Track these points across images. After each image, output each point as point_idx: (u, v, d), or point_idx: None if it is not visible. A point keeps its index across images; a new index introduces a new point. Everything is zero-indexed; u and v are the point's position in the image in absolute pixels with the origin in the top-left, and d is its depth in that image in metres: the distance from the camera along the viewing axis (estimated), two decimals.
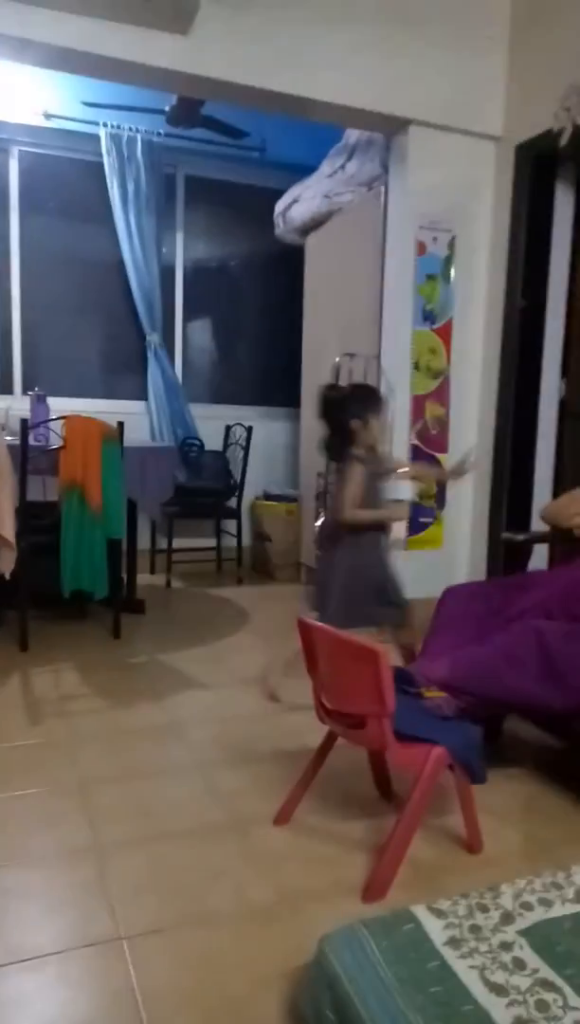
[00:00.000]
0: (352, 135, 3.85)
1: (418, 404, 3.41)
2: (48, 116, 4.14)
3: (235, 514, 4.46)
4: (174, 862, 1.63)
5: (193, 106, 3.92)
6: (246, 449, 4.46)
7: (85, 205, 4.43)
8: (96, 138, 4.26)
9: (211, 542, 4.70)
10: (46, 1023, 1.19)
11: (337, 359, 3.55)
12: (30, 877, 1.57)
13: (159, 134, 4.31)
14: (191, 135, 4.29)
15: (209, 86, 3.01)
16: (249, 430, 4.46)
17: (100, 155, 4.29)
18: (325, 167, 4.04)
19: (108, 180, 4.31)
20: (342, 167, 3.91)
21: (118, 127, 4.26)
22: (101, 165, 4.31)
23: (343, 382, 3.53)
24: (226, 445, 4.66)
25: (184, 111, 3.94)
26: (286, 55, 2.98)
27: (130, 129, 4.27)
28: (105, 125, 4.24)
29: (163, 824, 1.79)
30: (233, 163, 4.60)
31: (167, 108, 3.99)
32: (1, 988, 1.26)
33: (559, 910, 1.22)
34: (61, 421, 2.90)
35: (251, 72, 2.95)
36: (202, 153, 4.50)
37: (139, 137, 4.29)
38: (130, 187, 4.32)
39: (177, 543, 4.35)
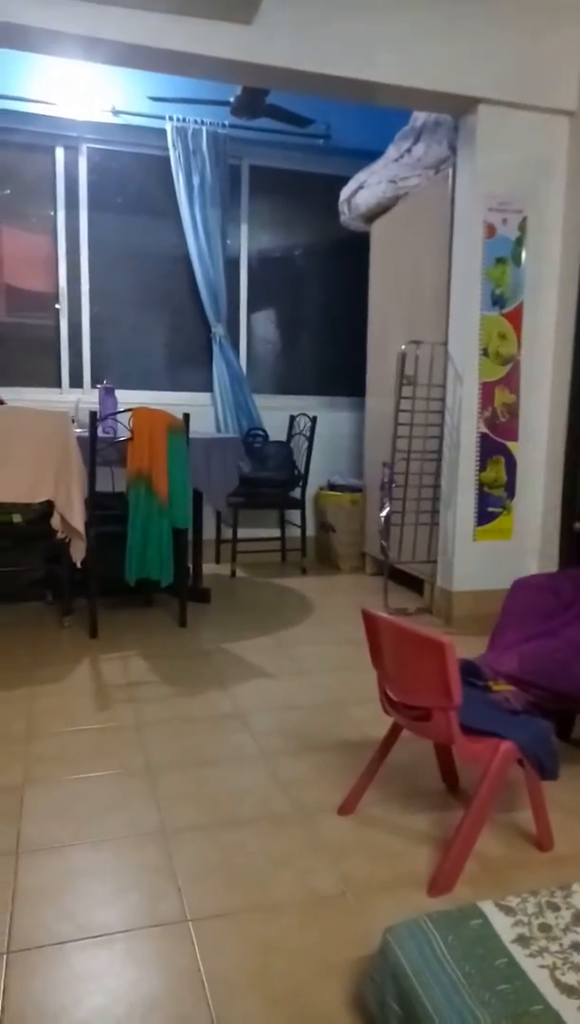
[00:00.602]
0: (419, 117, 3.77)
1: (487, 391, 3.33)
2: (116, 112, 4.20)
3: (299, 504, 4.46)
4: (239, 848, 1.65)
5: (257, 96, 3.91)
6: (310, 439, 4.45)
7: (151, 199, 4.49)
8: (162, 132, 4.31)
9: (275, 532, 4.72)
10: (116, 998, 1.22)
11: (403, 347, 3.50)
12: (99, 857, 1.61)
13: (224, 125, 4.32)
14: (256, 125, 4.28)
15: (273, 75, 2.99)
16: (313, 420, 4.44)
17: (166, 149, 4.34)
18: (391, 151, 3.97)
19: (174, 173, 4.35)
20: (408, 151, 3.84)
21: (183, 120, 4.29)
22: (167, 159, 4.35)
23: (410, 370, 3.49)
24: (290, 435, 4.67)
25: (248, 101, 3.93)
26: (350, 40, 2.94)
27: (195, 122, 4.30)
28: (171, 119, 4.28)
29: (228, 811, 1.81)
30: (298, 151, 4.57)
31: (232, 99, 3.99)
32: (72, 963, 1.30)
33: None
34: (128, 413, 2.95)
35: (315, 59, 2.92)
36: (267, 143, 4.49)
37: (204, 129, 4.31)
38: (196, 180, 4.36)
39: (242, 533, 4.39)
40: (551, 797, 1.71)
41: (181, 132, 4.30)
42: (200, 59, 2.86)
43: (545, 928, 1.14)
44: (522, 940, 1.11)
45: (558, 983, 1.03)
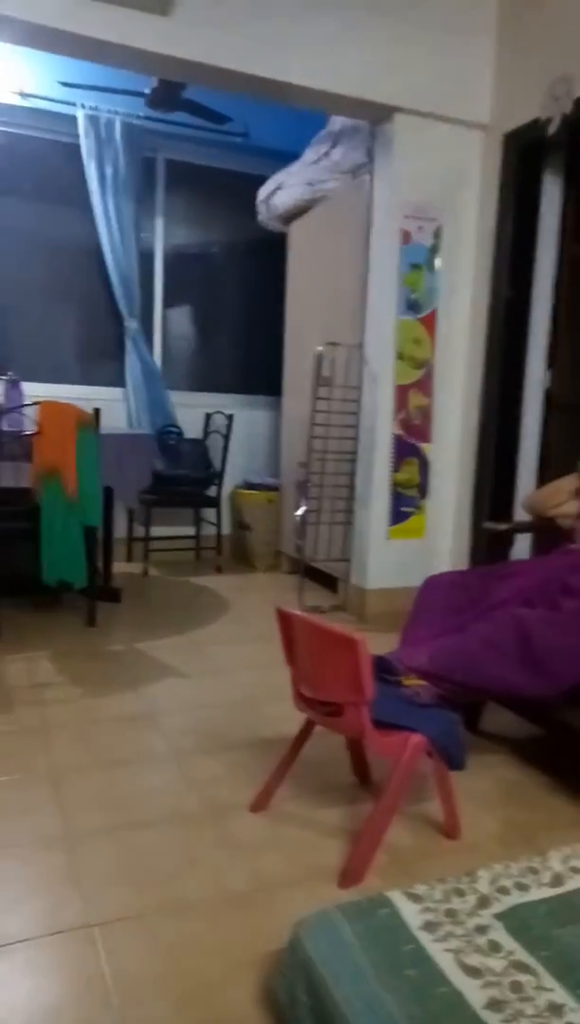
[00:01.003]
0: (337, 122, 3.82)
1: (402, 394, 3.39)
2: (24, 95, 4.05)
3: (215, 503, 4.43)
4: (148, 850, 1.61)
5: (174, 89, 3.86)
6: (227, 437, 4.42)
7: (61, 187, 4.34)
8: (73, 119, 4.18)
9: (190, 531, 4.67)
10: (13, 1010, 1.16)
11: (320, 348, 3.53)
12: (0, 864, 1.54)
13: (139, 117, 4.24)
14: (172, 119, 4.22)
15: (190, 69, 2.95)
16: (230, 418, 4.42)
17: (77, 136, 4.22)
18: (309, 154, 4.00)
19: (85, 163, 4.23)
20: (326, 154, 3.88)
21: (96, 108, 4.18)
22: (78, 147, 4.23)
23: (326, 371, 3.52)
24: (206, 433, 4.62)
25: (165, 94, 3.87)
26: (269, 40, 2.94)
27: (109, 111, 4.20)
28: (83, 106, 4.16)
29: (138, 812, 1.76)
30: (215, 148, 4.54)
31: (147, 91, 3.92)
32: None
33: (535, 894, 1.22)
34: (35, 407, 2.84)
35: (233, 56, 2.90)
36: (183, 137, 4.44)
37: (118, 120, 4.22)
38: (108, 170, 4.25)
39: (156, 532, 4.31)
40: (459, 787, 1.75)
41: (93, 121, 4.19)
42: (113, 47, 2.79)
43: (451, 913, 1.16)
44: (429, 926, 1.13)
45: (462, 965, 1.05)
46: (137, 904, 1.43)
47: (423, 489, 3.50)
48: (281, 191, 4.12)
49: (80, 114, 4.17)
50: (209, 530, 4.57)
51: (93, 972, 1.25)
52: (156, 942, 1.33)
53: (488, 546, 3.19)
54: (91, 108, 4.17)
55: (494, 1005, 0.98)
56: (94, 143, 4.21)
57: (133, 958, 1.28)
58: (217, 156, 4.60)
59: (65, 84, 4.05)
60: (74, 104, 4.14)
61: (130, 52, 2.82)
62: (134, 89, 4.01)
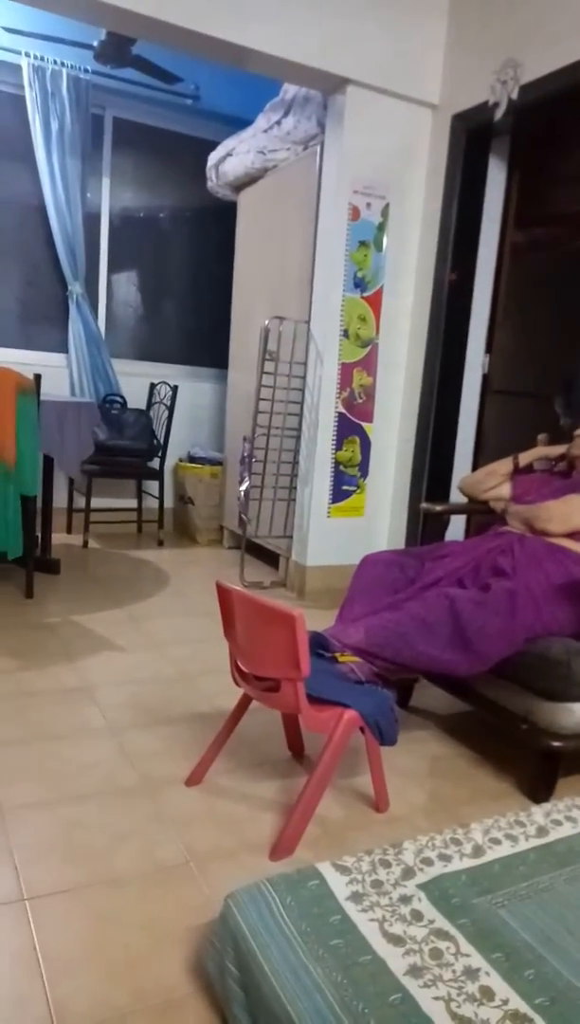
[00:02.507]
0: (290, 90, 3.75)
1: (346, 372, 3.41)
2: None
3: (158, 475, 4.38)
4: (82, 824, 1.62)
5: (123, 44, 3.72)
6: (171, 409, 4.36)
7: (5, 141, 4.16)
8: (18, 68, 4.00)
9: (132, 503, 4.61)
10: None
11: (266, 322, 3.51)
12: None
13: (86, 71, 4.09)
14: (121, 75, 4.08)
15: (139, 23, 2.84)
16: (174, 389, 4.36)
17: (22, 87, 4.04)
18: (261, 121, 3.92)
19: (30, 116, 4.06)
20: (278, 123, 3.81)
21: (42, 59, 4.01)
22: (23, 98, 4.05)
23: (272, 346, 3.50)
24: (150, 404, 4.55)
25: (114, 48, 3.73)
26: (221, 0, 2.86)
27: (55, 62, 4.03)
28: (28, 55, 3.98)
29: (72, 786, 1.76)
30: (165, 108, 4.41)
31: (95, 43, 3.77)
32: None
33: (457, 864, 1.27)
34: None
35: (186, 14, 2.81)
36: (132, 95, 4.30)
37: (65, 72, 4.05)
38: (54, 125, 4.09)
39: (96, 503, 4.25)
40: (389, 762, 1.81)
41: (39, 71, 4.02)
42: None
43: (377, 884, 1.21)
44: (355, 897, 1.18)
45: (386, 934, 1.10)
46: (69, 878, 1.43)
47: (364, 468, 3.54)
48: (231, 158, 4.04)
49: (25, 63, 3.99)
50: (152, 503, 4.53)
51: (25, 946, 1.25)
52: (88, 916, 1.34)
53: (424, 526, 3.25)
54: (37, 58, 3.99)
55: (414, 971, 1.03)
56: (39, 95, 4.04)
57: (64, 932, 1.30)
58: (167, 117, 4.48)
59: (9, 30, 3.86)
60: (19, 52, 3.96)
61: (78, 0, 2.70)
62: (83, 41, 3.85)
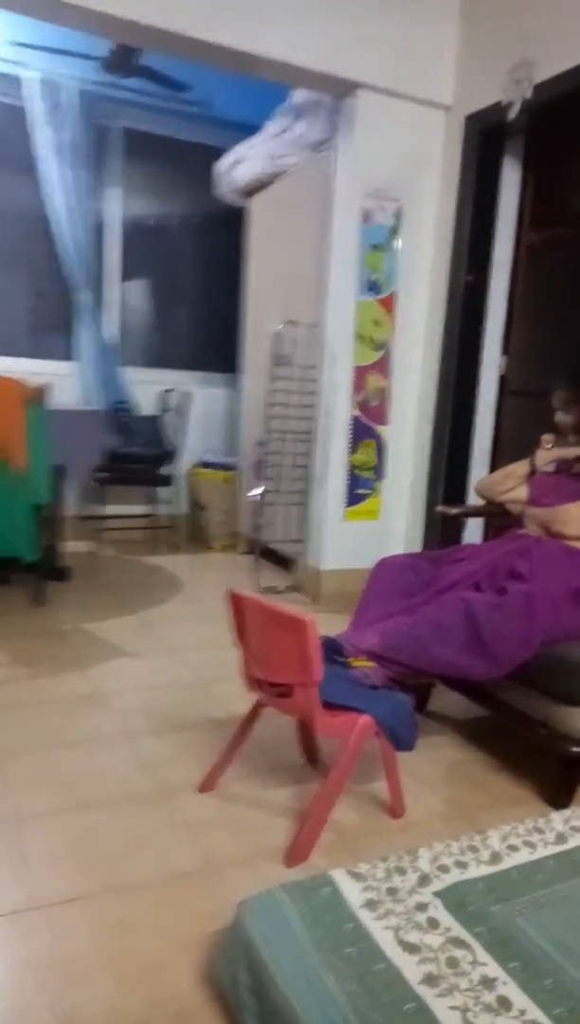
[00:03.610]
0: (299, 95, 3.75)
1: (360, 375, 3.39)
2: None
3: (169, 481, 4.38)
4: (96, 831, 1.61)
5: (130, 54, 3.75)
6: (184, 415, 4.37)
7: (12, 153, 4.19)
8: (26, 81, 4.03)
9: (145, 510, 4.62)
10: None
11: (279, 327, 3.50)
12: None
13: (94, 83, 4.11)
14: (129, 85, 4.11)
15: (147, 34, 2.85)
16: (187, 396, 4.37)
17: (31, 100, 4.07)
18: (271, 127, 3.93)
19: (37, 128, 4.09)
20: (288, 128, 3.82)
21: (50, 72, 4.03)
22: (23, 110, 4.07)
23: (285, 350, 3.49)
24: (162, 411, 4.56)
25: (121, 59, 3.76)
26: (231, 7, 2.86)
27: (63, 75, 4.06)
28: (35, 69, 4.01)
29: (86, 793, 1.75)
30: (174, 118, 4.43)
31: (104, 55, 3.80)
32: None
33: (474, 872, 1.25)
34: None
35: (192, 22, 2.82)
36: (141, 105, 4.32)
37: (73, 84, 4.08)
38: (60, 137, 4.10)
39: (110, 510, 4.26)
40: (405, 767, 1.79)
41: (46, 84, 4.04)
42: (67, 7, 2.67)
43: (392, 892, 1.19)
44: (370, 904, 1.15)
45: (401, 942, 1.08)
46: (84, 886, 1.42)
47: (379, 471, 3.52)
48: (241, 164, 4.05)
49: (33, 76, 4.02)
50: (165, 509, 4.53)
51: (38, 954, 1.24)
52: (101, 923, 1.33)
53: (441, 529, 3.23)
54: (45, 71, 4.02)
55: (430, 980, 1.01)
56: (46, 108, 4.06)
57: (79, 939, 1.28)
58: (176, 126, 4.50)
59: (16, 44, 3.90)
60: (27, 66, 3.99)
61: (85, 12, 2.71)
62: (90, 53, 3.88)
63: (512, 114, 2.91)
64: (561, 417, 2.68)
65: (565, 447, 2.53)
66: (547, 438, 2.59)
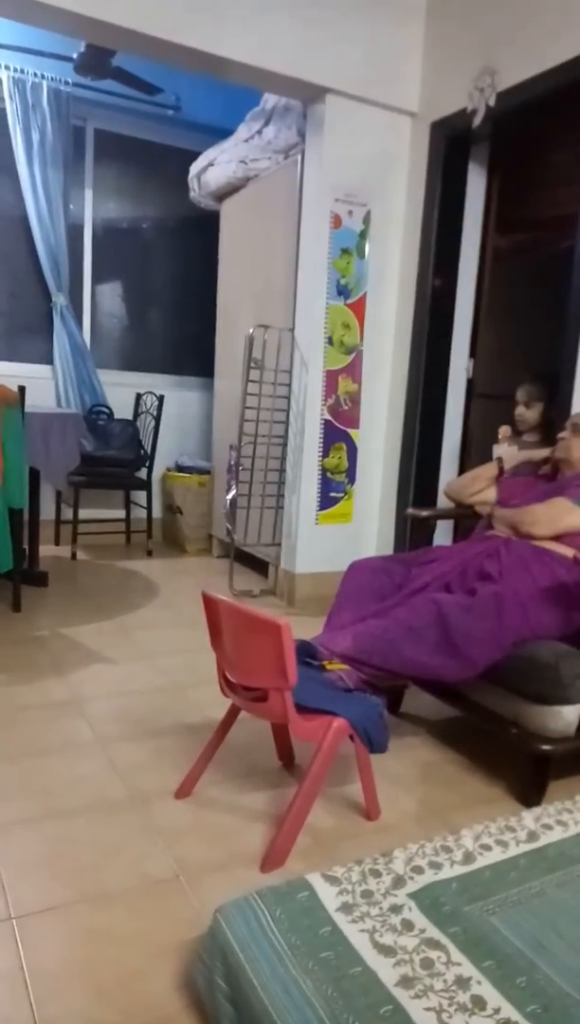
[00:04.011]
0: (270, 100, 3.77)
1: (331, 379, 3.41)
2: None
3: (145, 485, 4.36)
4: (70, 839, 1.60)
5: (103, 55, 3.73)
6: (157, 418, 4.36)
7: None
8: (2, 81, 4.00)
9: (120, 513, 4.59)
10: None
11: (251, 330, 3.51)
12: None
13: (67, 83, 4.09)
14: (102, 87, 4.09)
15: (117, 34, 2.85)
16: (161, 399, 4.36)
17: (1, 100, 4.03)
18: (242, 131, 3.94)
19: (11, 128, 4.06)
20: (259, 132, 3.83)
21: (22, 71, 4.01)
22: (2, 111, 4.05)
23: (257, 354, 3.50)
24: (137, 414, 4.54)
25: (93, 60, 3.74)
26: (201, 9, 2.87)
27: (35, 75, 4.03)
28: (7, 68, 3.98)
29: (60, 801, 1.74)
30: (146, 120, 4.42)
31: (75, 55, 3.78)
32: None
33: (447, 872, 1.27)
34: None
35: (161, 24, 2.82)
36: (113, 107, 4.30)
37: (45, 84, 4.06)
38: (35, 137, 4.09)
39: (84, 514, 4.23)
40: (380, 768, 1.80)
41: (19, 84, 4.02)
42: (37, 6, 2.66)
43: (367, 894, 1.20)
44: (345, 908, 1.17)
45: (376, 944, 1.09)
46: (58, 895, 1.42)
47: (351, 474, 3.54)
48: (213, 168, 4.05)
49: (5, 76, 3.99)
50: (140, 513, 4.51)
51: (11, 965, 1.24)
52: (76, 933, 1.32)
53: (411, 532, 3.25)
54: (17, 70, 3.99)
55: (405, 982, 1.02)
56: (19, 107, 4.04)
57: (52, 950, 1.28)
58: (148, 128, 4.49)
59: None
60: None
61: (55, 12, 2.71)
62: (62, 53, 3.86)
63: (476, 121, 2.95)
64: (523, 412, 2.73)
65: (532, 449, 2.57)
66: (504, 430, 2.65)
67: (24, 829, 1.63)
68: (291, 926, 1.12)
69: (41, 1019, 1.13)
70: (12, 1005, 1.16)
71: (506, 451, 2.59)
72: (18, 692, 2.34)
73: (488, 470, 2.51)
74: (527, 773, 1.87)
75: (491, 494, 2.46)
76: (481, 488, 2.49)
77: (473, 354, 3.40)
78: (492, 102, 2.86)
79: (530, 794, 1.84)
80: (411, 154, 3.38)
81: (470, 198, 3.28)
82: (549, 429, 2.76)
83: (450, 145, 3.20)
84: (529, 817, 1.45)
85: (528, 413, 2.76)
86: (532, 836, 1.39)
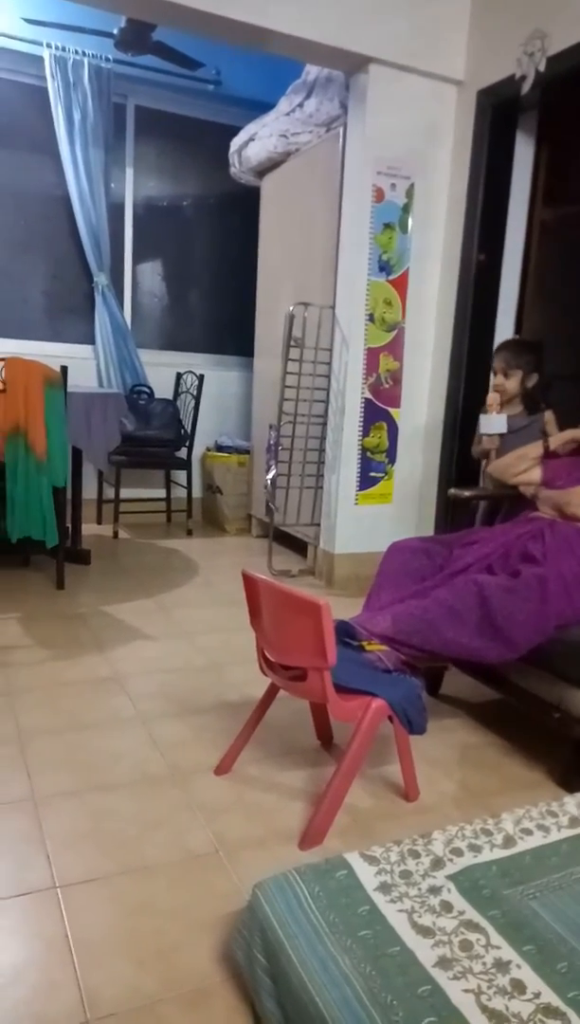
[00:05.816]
0: (311, 71, 3.69)
1: (372, 357, 3.37)
2: None
3: (185, 465, 4.39)
4: (113, 813, 1.63)
5: (143, 30, 3.70)
6: (197, 398, 4.36)
7: (27, 132, 4.16)
8: (39, 60, 4.00)
9: (161, 493, 4.63)
10: None
11: (291, 308, 3.48)
12: None
13: (108, 59, 4.07)
14: (142, 62, 4.06)
15: (158, 7, 2.82)
16: (201, 378, 4.36)
17: (44, 79, 4.04)
18: (283, 104, 3.88)
19: (52, 107, 4.06)
20: (300, 105, 3.76)
21: (63, 49, 4.00)
22: (45, 90, 4.05)
23: (297, 332, 3.47)
24: (177, 393, 4.56)
25: (134, 35, 3.71)
26: None
27: (76, 52, 4.02)
28: (49, 46, 3.97)
29: (103, 775, 1.78)
30: (187, 95, 4.38)
31: (116, 31, 3.75)
32: None
33: (487, 855, 1.26)
34: (0, 363, 2.77)
35: None
36: (154, 83, 4.27)
37: (86, 61, 4.04)
38: (76, 115, 4.09)
39: (125, 493, 4.27)
40: (419, 750, 1.80)
41: (60, 62, 4.01)
42: None
43: (406, 875, 1.20)
44: (384, 887, 1.17)
45: (415, 925, 1.09)
46: (101, 866, 1.45)
47: (392, 454, 3.50)
48: (254, 142, 4.00)
49: (46, 54, 3.99)
50: (180, 492, 4.54)
51: (57, 933, 1.27)
52: (118, 904, 1.35)
53: (453, 512, 3.21)
54: (58, 48, 3.99)
55: (443, 963, 1.02)
56: (61, 86, 4.04)
57: (95, 920, 1.31)
58: (189, 104, 4.45)
59: (30, 21, 3.86)
60: (40, 43, 3.95)
61: None
62: (103, 29, 3.84)
63: (525, 88, 2.85)
64: (502, 381, 2.65)
65: (516, 420, 2.52)
66: (492, 398, 2.59)
67: (67, 801, 1.66)
68: (329, 904, 1.13)
69: (86, 987, 1.16)
70: (59, 971, 1.19)
71: (491, 420, 2.55)
72: (61, 667, 2.39)
73: (533, 450, 2.45)
74: (569, 758, 1.84)
75: (536, 474, 2.41)
76: (526, 468, 2.43)
77: (519, 331, 3.31)
78: (543, 67, 2.76)
79: (571, 779, 1.81)
80: (456, 124, 3.29)
81: (517, 169, 3.18)
82: (531, 401, 2.67)
83: (497, 114, 3.10)
84: (572, 803, 1.43)
85: (508, 383, 2.66)
86: (574, 822, 1.37)
